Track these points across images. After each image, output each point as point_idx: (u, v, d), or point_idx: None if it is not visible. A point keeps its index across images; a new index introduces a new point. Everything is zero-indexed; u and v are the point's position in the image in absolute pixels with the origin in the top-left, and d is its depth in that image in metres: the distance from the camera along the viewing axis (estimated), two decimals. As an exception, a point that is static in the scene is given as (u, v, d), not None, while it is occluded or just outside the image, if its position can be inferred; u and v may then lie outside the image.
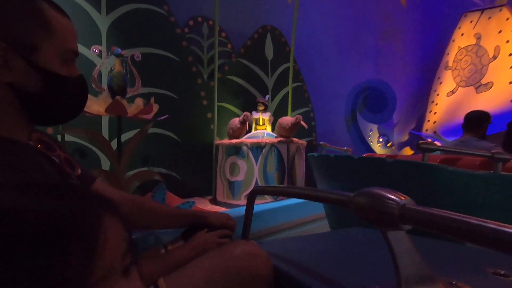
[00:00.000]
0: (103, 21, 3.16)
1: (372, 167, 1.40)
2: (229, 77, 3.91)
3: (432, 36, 5.28)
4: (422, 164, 1.27)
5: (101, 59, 3.00)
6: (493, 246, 0.32)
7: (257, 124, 3.66)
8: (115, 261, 0.30)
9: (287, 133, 3.26)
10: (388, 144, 5.24)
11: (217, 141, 3.18)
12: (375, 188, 0.47)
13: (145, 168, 3.35)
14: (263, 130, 3.54)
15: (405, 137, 5.43)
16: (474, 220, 0.34)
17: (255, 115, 3.69)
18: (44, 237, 0.26)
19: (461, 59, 4.98)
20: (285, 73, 4.20)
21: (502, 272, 0.58)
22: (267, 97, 3.73)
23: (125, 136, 3.31)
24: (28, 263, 0.25)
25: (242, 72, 3.99)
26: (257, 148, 2.92)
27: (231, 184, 3.02)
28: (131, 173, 2.95)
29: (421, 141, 1.41)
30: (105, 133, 3.02)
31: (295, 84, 4.29)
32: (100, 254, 0.28)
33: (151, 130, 3.52)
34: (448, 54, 5.16)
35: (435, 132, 5.08)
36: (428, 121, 5.26)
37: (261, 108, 3.70)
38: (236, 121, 3.19)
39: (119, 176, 2.46)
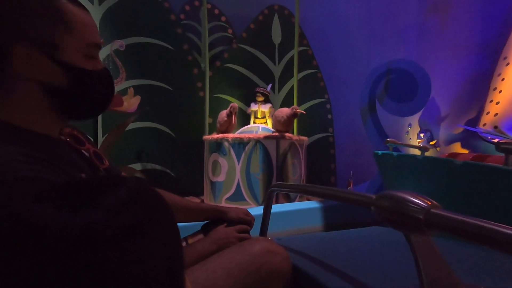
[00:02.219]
0: (95, 12, 3.04)
1: (438, 168, 1.27)
2: (229, 65, 3.54)
3: (496, 7, 4.17)
4: (506, 170, 1.07)
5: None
6: None
7: (255, 117, 3.23)
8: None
9: (283, 127, 2.78)
10: (432, 142, 4.34)
11: (204, 136, 2.84)
12: (399, 191, 0.45)
13: (133, 165, 3.19)
14: (259, 124, 3.10)
15: (455, 133, 4.43)
16: (506, 229, 0.32)
17: (253, 107, 3.27)
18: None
19: (535, 33, 3.83)
20: (298, 58, 3.67)
21: None
22: (269, 86, 3.26)
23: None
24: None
25: (244, 59, 3.59)
26: (239, 144, 2.52)
27: (213, 185, 2.67)
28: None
29: (502, 140, 1.24)
30: (88, 129, 2.90)
31: (308, 72, 3.72)
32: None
33: (145, 124, 3.35)
34: (517, 27, 4.03)
35: (495, 127, 4.03)
36: (488, 113, 4.20)
37: (261, 99, 3.26)
38: (223, 113, 2.82)
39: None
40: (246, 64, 3.59)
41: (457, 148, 4.55)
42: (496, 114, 4.17)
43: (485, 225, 0.34)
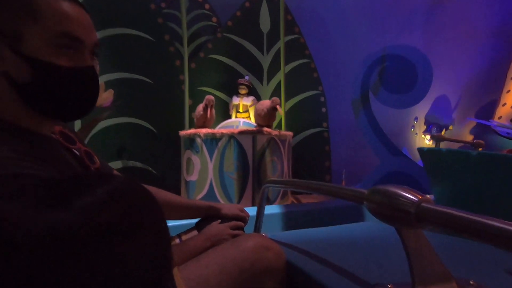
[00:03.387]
0: (71, 2, 2.89)
1: (498, 165, 1.19)
2: (213, 56, 3.32)
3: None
4: None
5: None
6: None
7: (237, 111, 3.00)
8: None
9: (263, 121, 2.55)
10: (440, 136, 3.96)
11: (181, 132, 2.64)
12: (390, 185, 0.46)
13: (114, 162, 3.04)
14: (241, 118, 2.87)
15: (467, 128, 4.05)
16: (496, 222, 0.32)
17: (235, 100, 3.04)
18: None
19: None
20: (289, 47, 3.40)
21: None
22: (246, 77, 3.02)
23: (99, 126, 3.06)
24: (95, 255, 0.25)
25: (230, 49, 3.35)
26: (211, 140, 2.30)
27: (187, 184, 2.47)
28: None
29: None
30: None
31: (299, 62, 3.45)
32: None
33: (125, 119, 3.20)
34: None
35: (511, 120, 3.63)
36: (504, 104, 3.81)
37: (244, 91, 3.02)
38: (200, 107, 2.61)
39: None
40: (232, 55, 3.35)
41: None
42: (513, 106, 3.75)
43: (476, 218, 0.34)
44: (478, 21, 3.86)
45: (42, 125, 0.54)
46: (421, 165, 3.25)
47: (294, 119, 3.46)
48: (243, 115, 2.94)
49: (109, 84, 3.03)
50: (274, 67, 3.42)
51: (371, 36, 2.84)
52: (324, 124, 3.50)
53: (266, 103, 2.52)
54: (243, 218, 0.87)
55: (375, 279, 0.55)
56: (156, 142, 3.18)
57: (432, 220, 0.38)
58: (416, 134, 3.87)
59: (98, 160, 0.65)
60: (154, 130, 3.24)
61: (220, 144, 2.28)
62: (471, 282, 0.50)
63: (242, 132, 2.28)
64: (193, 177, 2.39)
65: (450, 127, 3.94)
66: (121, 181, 0.31)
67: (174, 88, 3.21)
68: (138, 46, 3.13)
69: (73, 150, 0.59)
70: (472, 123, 4.07)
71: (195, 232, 0.82)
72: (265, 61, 3.44)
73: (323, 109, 3.49)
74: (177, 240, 0.80)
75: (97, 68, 0.56)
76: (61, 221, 0.26)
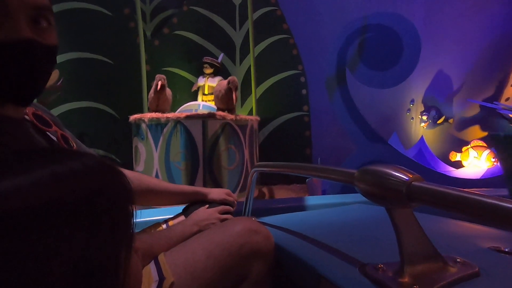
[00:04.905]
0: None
1: None
2: (179, 32, 2.99)
3: None
4: None
5: None
6: (504, 225, 0.31)
7: (203, 93, 2.70)
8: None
9: (222, 105, 2.25)
10: (439, 121, 3.58)
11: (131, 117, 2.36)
12: (380, 164, 0.46)
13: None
14: (204, 101, 2.57)
15: (472, 111, 3.62)
16: (484, 198, 0.33)
17: (200, 81, 2.73)
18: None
19: None
20: (263, 21, 3.03)
21: (506, 249, 0.57)
22: (221, 56, 2.69)
23: (55, 111, 2.82)
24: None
25: (198, 25, 3.01)
26: (156, 126, 2.01)
27: (136, 176, 2.22)
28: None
29: None
30: None
31: (276, 37, 3.08)
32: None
33: (84, 103, 2.95)
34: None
35: (520, 101, 3.20)
36: (512, 85, 3.35)
37: (209, 71, 2.71)
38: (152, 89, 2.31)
39: None
40: (200, 31, 3.01)
41: (476, 131, 3.71)
42: (523, 86, 3.29)
43: (465, 195, 0.35)
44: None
45: (8, 108, 0.48)
46: (407, 154, 2.88)
47: (270, 103, 3.13)
48: (209, 98, 2.63)
49: (63, 65, 2.77)
50: (248, 44, 3.07)
51: (350, 2, 2.42)
52: (305, 108, 3.15)
53: (224, 83, 2.20)
54: (231, 203, 0.86)
55: (365, 259, 0.55)
56: (117, 128, 2.93)
57: (423, 198, 0.39)
58: (413, 118, 3.48)
59: (75, 145, 0.62)
60: (116, 115, 2.99)
61: (165, 130, 2.00)
62: (457, 259, 0.51)
63: (189, 117, 1.98)
64: (140, 167, 2.13)
65: (452, 118, 3.52)
66: (88, 160, 0.29)
67: (136, 68, 2.91)
68: (94, 21, 2.84)
69: (48, 133, 0.54)
70: (477, 106, 3.63)
71: (182, 218, 0.81)
72: (238, 37, 3.08)
73: (304, 91, 3.13)
74: (164, 226, 0.79)
75: (50, 39, 0.45)
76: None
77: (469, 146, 3.35)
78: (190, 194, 0.86)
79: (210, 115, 2.00)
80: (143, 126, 2.08)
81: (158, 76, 2.20)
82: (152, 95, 2.25)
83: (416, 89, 3.21)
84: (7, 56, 0.42)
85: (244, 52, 3.10)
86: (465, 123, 3.62)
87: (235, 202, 0.87)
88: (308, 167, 0.71)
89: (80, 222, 0.26)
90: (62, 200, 0.26)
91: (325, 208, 1.06)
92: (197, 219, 0.76)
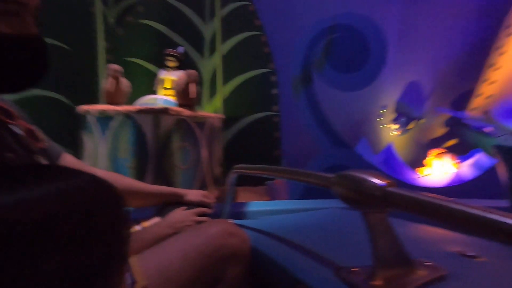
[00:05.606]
0: None
1: None
2: (144, 21, 2.82)
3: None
4: None
5: None
6: (474, 231, 0.33)
7: (164, 87, 2.55)
8: None
9: (182, 100, 2.12)
10: (409, 126, 3.58)
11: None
12: (357, 170, 0.47)
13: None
14: (163, 96, 2.42)
15: (441, 120, 3.65)
16: (455, 205, 0.35)
17: (162, 74, 2.58)
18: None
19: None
20: (234, 16, 2.91)
21: (470, 254, 0.60)
22: (181, 48, 2.55)
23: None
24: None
25: (165, 14, 2.85)
26: (104, 119, 1.86)
27: (82, 172, 2.05)
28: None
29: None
30: None
31: (248, 34, 2.97)
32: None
33: (36, 92, 2.73)
34: (529, -16, 3.15)
35: (486, 112, 3.25)
36: (479, 95, 3.41)
37: (172, 64, 2.56)
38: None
39: None
40: (167, 21, 2.86)
41: (446, 140, 3.75)
42: (489, 97, 3.34)
43: (438, 202, 0.36)
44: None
45: None
46: (375, 160, 2.86)
47: (239, 101, 3.02)
48: (170, 92, 2.49)
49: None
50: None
51: (319, 1, 2.34)
52: (275, 108, 3.06)
53: (183, 77, 2.07)
54: (209, 205, 0.85)
55: (341, 263, 0.56)
56: (75, 120, 2.73)
57: (397, 203, 0.41)
58: (384, 124, 3.47)
59: (45, 140, 0.60)
60: (72, 106, 2.78)
61: (113, 124, 1.84)
62: (427, 263, 0.52)
63: (140, 111, 1.84)
64: (85, 163, 1.96)
65: (422, 121, 3.54)
66: (83, 180, 0.30)
67: (96, 57, 2.72)
68: (50, 3, 2.62)
69: (13, 127, 0.52)
70: (445, 114, 3.68)
71: (157, 219, 0.79)
72: (207, 30, 2.95)
73: (274, 91, 3.04)
74: (138, 227, 0.77)
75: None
76: None
77: (433, 154, 3.37)
78: (167, 195, 0.85)
79: (164, 110, 1.87)
80: (90, 118, 1.91)
81: (111, 66, 2.04)
82: (106, 86, 2.09)
83: (387, 95, 3.19)
84: (19, 47, 0.46)
85: (214, 46, 2.97)
86: (435, 131, 3.66)
87: (213, 204, 0.86)
88: (286, 170, 0.71)
89: (76, 238, 0.27)
90: (60, 216, 0.26)
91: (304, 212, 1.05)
92: (172, 221, 0.75)
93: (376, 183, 0.43)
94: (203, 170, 2.10)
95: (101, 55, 2.47)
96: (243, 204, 1.20)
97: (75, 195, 0.28)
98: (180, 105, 2.13)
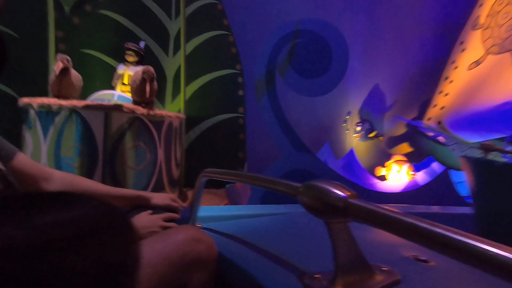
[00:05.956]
0: None
1: None
2: (103, 12, 2.65)
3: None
4: None
5: None
6: (422, 243, 0.37)
7: (122, 83, 2.41)
8: None
9: (137, 97, 1.99)
10: (371, 134, 3.69)
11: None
12: (322, 180, 0.49)
13: None
14: (119, 92, 2.28)
15: (401, 128, 3.81)
16: (407, 219, 0.38)
17: (120, 69, 2.43)
18: None
19: (498, 11, 3.20)
20: (202, 14, 2.83)
21: (422, 258, 0.65)
22: (142, 43, 2.42)
23: None
24: None
25: (127, 6, 2.71)
26: (47, 114, 1.70)
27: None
28: None
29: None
30: None
31: (215, 33, 2.90)
32: None
33: (-24, 81, 2.46)
34: (481, 5, 3.39)
35: (439, 122, 3.43)
36: (435, 106, 3.60)
37: (132, 59, 2.43)
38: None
39: None
40: (130, 14, 2.71)
41: (404, 147, 3.93)
42: (442, 108, 3.54)
43: (394, 215, 0.40)
44: (422, 14, 3.56)
45: None
46: (337, 164, 2.91)
47: (204, 101, 2.94)
48: (127, 88, 2.35)
49: None
50: (186, 36, 2.84)
51: (285, 6, 2.34)
52: (241, 109, 3.01)
53: (139, 73, 1.96)
54: (176, 209, 0.82)
55: (305, 268, 0.57)
56: (19, 115, 2.49)
57: (357, 214, 0.44)
58: (348, 130, 3.55)
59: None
60: (18, 97, 2.54)
61: (57, 119, 1.69)
62: (383, 268, 0.55)
63: (88, 107, 1.70)
64: (25, 162, 1.78)
65: (381, 138, 3.67)
66: (95, 208, 0.30)
67: (46, 46, 2.51)
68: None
69: None
70: (404, 123, 3.85)
71: None
72: (173, 26, 2.84)
73: (240, 92, 3.00)
74: None
75: None
76: (11, 239, 0.24)
77: (392, 160, 3.50)
78: (132, 198, 0.82)
79: (115, 107, 1.75)
80: (32, 112, 1.74)
81: (60, 56, 1.88)
82: (53, 78, 1.92)
83: (349, 101, 3.27)
84: None
85: (179, 43, 2.87)
86: (395, 139, 3.81)
87: (181, 208, 0.83)
88: (255, 177, 0.73)
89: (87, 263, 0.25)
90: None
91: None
92: (138, 226, 0.72)
93: (339, 195, 0.45)
94: (160, 172, 2.00)
95: (52, 44, 2.27)
96: (210, 208, 1.16)
97: (90, 221, 0.28)
98: (136, 103, 2.01)
